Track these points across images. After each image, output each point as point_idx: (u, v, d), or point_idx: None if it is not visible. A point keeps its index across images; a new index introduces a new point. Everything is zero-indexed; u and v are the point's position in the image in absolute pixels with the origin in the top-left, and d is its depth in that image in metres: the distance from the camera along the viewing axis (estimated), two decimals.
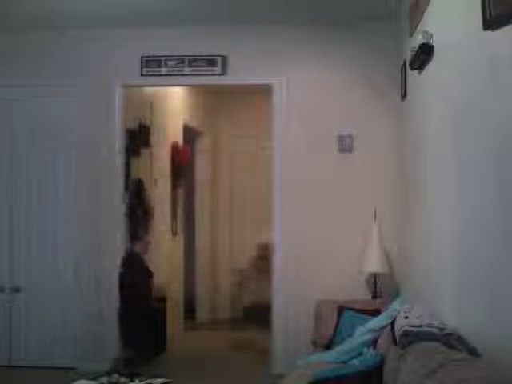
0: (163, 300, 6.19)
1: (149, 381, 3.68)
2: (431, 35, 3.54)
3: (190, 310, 7.48)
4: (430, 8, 3.68)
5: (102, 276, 5.48)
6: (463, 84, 2.92)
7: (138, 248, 5.88)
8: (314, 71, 5.44)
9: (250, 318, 7.40)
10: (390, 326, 3.38)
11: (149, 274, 5.87)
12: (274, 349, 5.40)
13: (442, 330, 2.81)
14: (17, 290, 5.60)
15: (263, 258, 7.18)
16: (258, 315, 6.77)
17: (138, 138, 6.04)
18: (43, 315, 5.55)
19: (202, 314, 7.79)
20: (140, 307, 5.70)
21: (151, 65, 5.52)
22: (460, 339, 2.69)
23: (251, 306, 7.53)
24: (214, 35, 5.48)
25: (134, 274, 5.68)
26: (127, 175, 5.74)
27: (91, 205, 5.52)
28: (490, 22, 2.34)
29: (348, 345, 3.96)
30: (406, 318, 3.12)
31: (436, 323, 2.92)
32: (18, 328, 5.57)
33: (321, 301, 4.95)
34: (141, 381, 3.66)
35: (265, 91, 5.56)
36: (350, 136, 5.38)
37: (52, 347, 5.50)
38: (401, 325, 3.04)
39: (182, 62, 5.50)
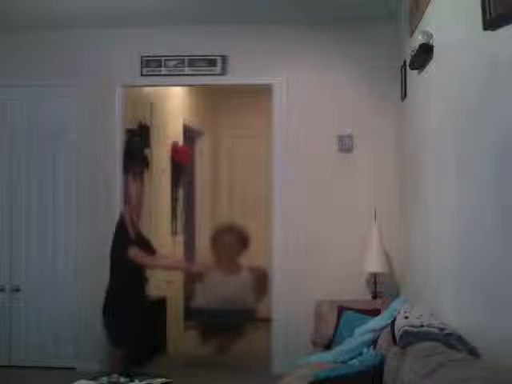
0: (163, 300, 6.19)
1: (149, 381, 3.68)
2: (431, 35, 3.53)
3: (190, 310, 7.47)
4: (429, 8, 3.68)
5: (102, 276, 5.47)
6: (463, 84, 2.92)
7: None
8: (313, 71, 5.44)
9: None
10: (390, 326, 3.38)
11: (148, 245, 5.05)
12: (274, 349, 5.40)
13: (442, 330, 2.81)
14: (17, 289, 5.60)
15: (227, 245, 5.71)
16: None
17: (138, 138, 6.04)
18: (43, 315, 5.55)
19: None
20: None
21: (151, 65, 5.52)
22: (460, 339, 2.68)
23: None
24: (214, 35, 5.48)
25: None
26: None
27: (91, 205, 5.52)
28: (490, 22, 2.34)
29: (348, 345, 3.96)
30: (406, 318, 3.12)
31: (436, 323, 2.92)
32: (18, 328, 5.57)
33: (321, 301, 4.95)
34: (141, 381, 3.66)
35: (265, 91, 5.56)
36: (349, 136, 5.38)
37: (52, 347, 5.50)
38: (401, 325, 3.04)
39: (182, 62, 5.50)
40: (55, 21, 5.35)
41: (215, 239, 5.96)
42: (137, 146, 5.84)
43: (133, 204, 4.94)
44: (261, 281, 5.38)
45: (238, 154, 8.14)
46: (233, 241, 5.68)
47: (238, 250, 5.77)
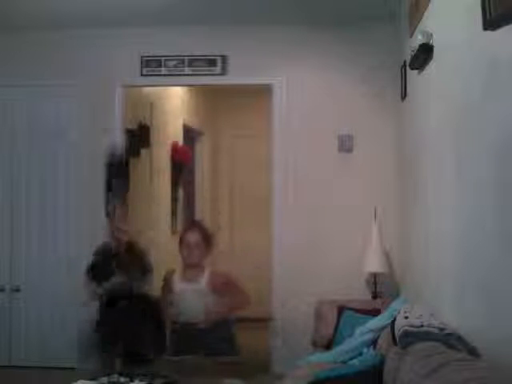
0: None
1: (149, 381, 3.67)
2: (431, 35, 3.54)
3: None
4: (430, 8, 3.68)
5: None
6: (463, 84, 2.92)
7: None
8: (313, 71, 5.44)
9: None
10: (390, 326, 3.38)
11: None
12: (274, 349, 5.40)
13: (442, 330, 2.81)
14: (17, 289, 5.59)
15: None
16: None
17: (138, 138, 6.04)
18: (43, 315, 5.55)
19: None
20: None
21: (151, 65, 5.52)
22: (460, 339, 2.68)
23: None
24: (214, 35, 5.48)
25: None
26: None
27: (91, 205, 5.50)
28: (490, 22, 2.34)
29: (348, 345, 3.96)
30: (406, 318, 3.12)
31: (436, 323, 2.92)
32: (18, 328, 5.57)
33: (321, 301, 4.95)
34: (141, 381, 3.66)
35: (265, 91, 5.56)
36: (349, 136, 5.39)
37: (52, 347, 5.50)
38: (401, 325, 3.04)
39: (182, 62, 5.50)
40: (55, 21, 5.35)
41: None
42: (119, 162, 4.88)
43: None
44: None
45: (238, 154, 8.15)
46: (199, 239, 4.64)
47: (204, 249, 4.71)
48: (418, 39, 3.63)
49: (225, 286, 4.51)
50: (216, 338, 4.47)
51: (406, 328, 2.92)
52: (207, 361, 4.46)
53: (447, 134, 3.24)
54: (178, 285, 4.60)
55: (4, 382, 5.14)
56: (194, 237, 4.61)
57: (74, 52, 5.57)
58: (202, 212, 7.91)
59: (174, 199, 7.03)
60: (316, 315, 4.91)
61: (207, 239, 4.67)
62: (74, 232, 5.55)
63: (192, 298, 4.53)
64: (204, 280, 4.53)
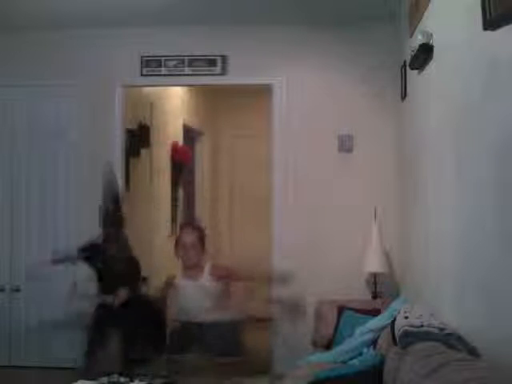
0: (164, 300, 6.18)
1: (149, 381, 3.68)
2: (431, 35, 3.54)
3: None
4: (430, 8, 3.68)
5: None
6: (463, 84, 2.92)
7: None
8: (314, 71, 5.44)
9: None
10: (390, 326, 3.38)
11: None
12: (274, 349, 5.40)
13: (442, 330, 2.81)
14: (17, 289, 5.60)
15: None
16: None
17: (138, 138, 6.04)
18: (43, 315, 5.54)
19: None
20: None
21: (151, 65, 5.52)
22: (460, 339, 2.68)
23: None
24: (214, 35, 5.48)
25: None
26: (127, 175, 5.74)
27: (91, 205, 5.50)
28: (490, 22, 2.34)
29: (348, 345, 3.96)
30: (406, 318, 3.12)
31: (436, 323, 2.92)
32: (18, 328, 5.57)
33: (321, 301, 4.95)
34: (141, 381, 3.66)
35: (265, 91, 5.56)
36: (349, 136, 5.39)
37: (52, 347, 5.50)
38: (401, 325, 3.04)
39: (182, 62, 5.50)
40: (55, 21, 5.35)
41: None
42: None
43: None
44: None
45: (238, 154, 8.15)
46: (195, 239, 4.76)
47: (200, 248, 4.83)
48: (418, 39, 3.63)
49: (227, 276, 4.62)
50: (221, 338, 4.51)
51: (406, 328, 2.92)
52: (207, 361, 4.52)
53: (447, 134, 3.24)
54: (180, 281, 4.65)
55: (4, 382, 5.14)
56: (189, 237, 4.68)
57: (74, 52, 5.57)
58: (202, 212, 7.92)
59: (174, 199, 7.03)
60: (316, 315, 4.92)
61: (203, 239, 4.73)
62: (74, 232, 5.53)
63: (194, 292, 4.59)
64: (205, 276, 4.62)
